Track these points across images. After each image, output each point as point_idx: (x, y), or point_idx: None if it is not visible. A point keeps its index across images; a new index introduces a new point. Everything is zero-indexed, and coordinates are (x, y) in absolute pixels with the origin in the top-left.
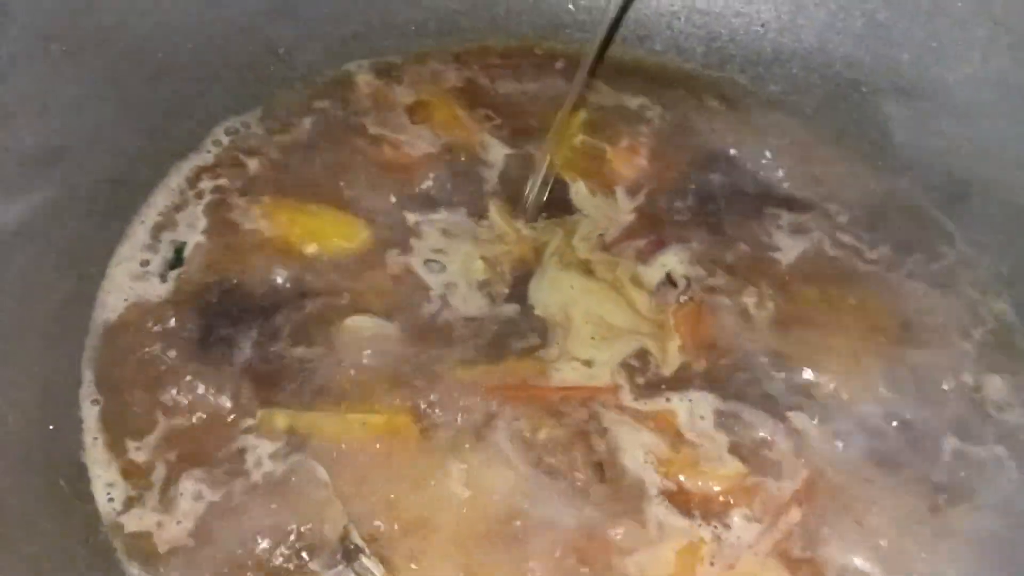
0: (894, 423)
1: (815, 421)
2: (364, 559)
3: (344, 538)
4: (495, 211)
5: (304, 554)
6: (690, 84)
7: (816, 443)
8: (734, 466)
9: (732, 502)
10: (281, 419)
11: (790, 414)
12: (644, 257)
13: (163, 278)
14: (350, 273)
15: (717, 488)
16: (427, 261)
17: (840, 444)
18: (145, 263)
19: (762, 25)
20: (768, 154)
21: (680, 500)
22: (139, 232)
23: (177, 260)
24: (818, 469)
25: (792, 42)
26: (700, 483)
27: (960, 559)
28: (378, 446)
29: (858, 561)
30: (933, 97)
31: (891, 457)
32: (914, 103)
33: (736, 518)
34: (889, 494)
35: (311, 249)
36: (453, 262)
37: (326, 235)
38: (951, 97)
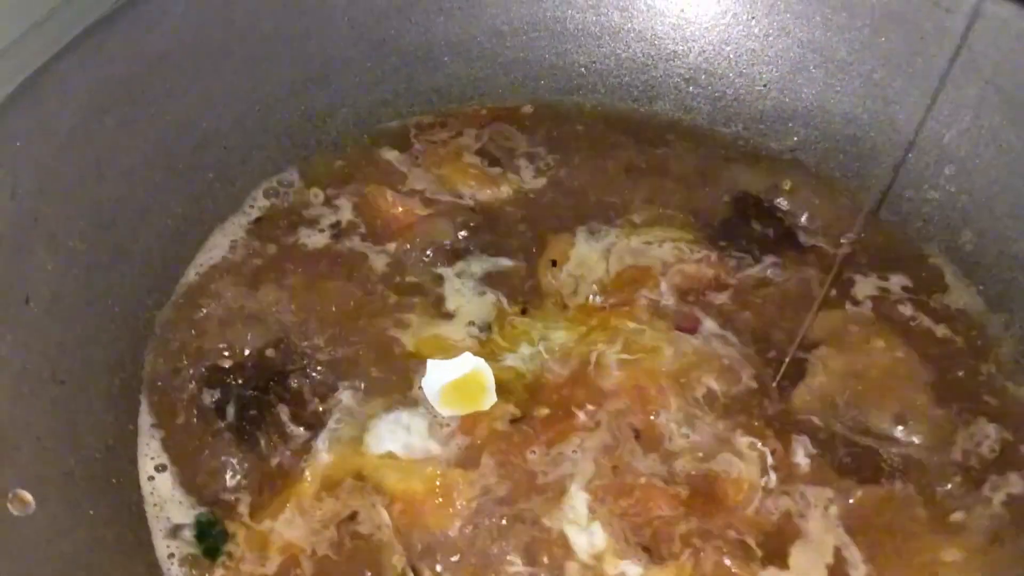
0: None
1: None
2: None
3: None
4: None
5: None
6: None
7: None
8: None
9: None
10: (349, 461)
11: None
12: None
13: None
14: None
15: None
16: None
17: None
18: None
19: (764, 85)
20: (783, 205)
21: None
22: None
23: None
24: None
25: (793, 101)
26: None
27: None
28: (435, 497)
29: None
30: (929, 153)
31: None
32: (912, 158)
33: None
34: None
35: None
36: None
37: None
38: (946, 153)
